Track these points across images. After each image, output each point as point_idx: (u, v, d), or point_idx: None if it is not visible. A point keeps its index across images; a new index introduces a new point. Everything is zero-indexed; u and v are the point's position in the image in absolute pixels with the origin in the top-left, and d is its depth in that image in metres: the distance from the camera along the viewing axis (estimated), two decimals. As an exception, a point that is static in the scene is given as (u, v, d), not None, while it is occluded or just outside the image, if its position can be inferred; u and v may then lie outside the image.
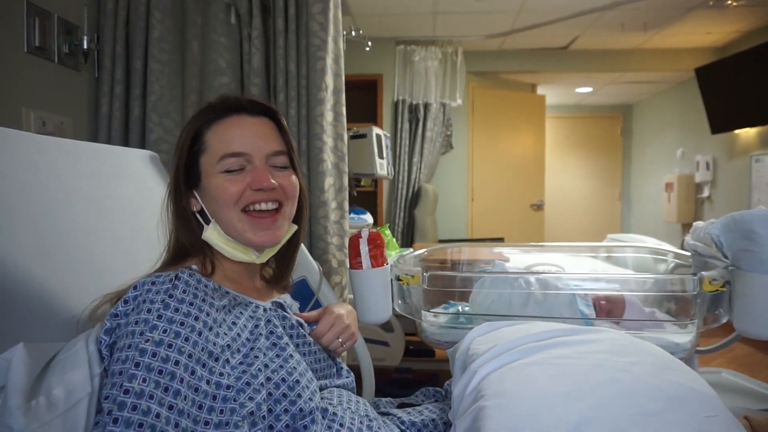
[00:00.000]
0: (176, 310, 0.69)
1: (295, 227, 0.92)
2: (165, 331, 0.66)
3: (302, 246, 1.48)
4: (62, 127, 1.57)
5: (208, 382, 0.68)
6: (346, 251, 1.72)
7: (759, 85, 3.67)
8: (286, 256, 0.97)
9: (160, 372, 0.63)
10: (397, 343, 2.19)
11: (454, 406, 0.84)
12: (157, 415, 0.61)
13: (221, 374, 0.70)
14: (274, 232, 0.84)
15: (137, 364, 0.63)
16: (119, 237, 1.03)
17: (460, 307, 1.35)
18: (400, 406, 1.04)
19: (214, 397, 0.68)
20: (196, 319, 0.70)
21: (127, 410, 0.60)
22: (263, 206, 0.83)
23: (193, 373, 0.66)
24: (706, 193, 4.73)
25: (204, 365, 0.68)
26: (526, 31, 4.03)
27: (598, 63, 4.70)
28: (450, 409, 0.88)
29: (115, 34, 1.72)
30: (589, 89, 5.78)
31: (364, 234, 1.16)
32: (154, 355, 0.64)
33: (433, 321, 1.29)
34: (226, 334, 0.74)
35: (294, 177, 0.87)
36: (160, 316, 0.67)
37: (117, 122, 1.73)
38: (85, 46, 1.66)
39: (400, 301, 1.24)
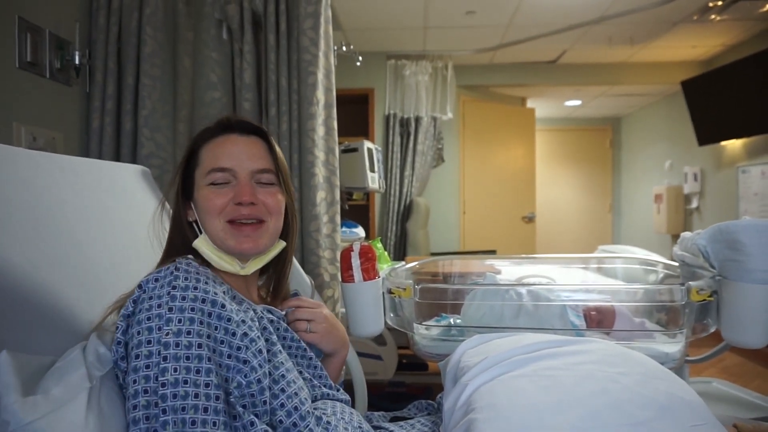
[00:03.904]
0: (183, 298, 0.73)
1: (282, 243, 0.94)
2: (180, 321, 0.71)
3: (294, 260, 1.48)
4: (53, 142, 1.57)
5: (229, 357, 0.74)
6: (338, 265, 1.73)
7: (744, 97, 3.73)
8: (276, 271, 0.99)
9: (188, 358, 0.69)
10: (390, 357, 2.18)
11: (445, 420, 0.84)
12: (196, 396, 0.67)
13: (239, 348, 0.75)
14: (255, 240, 0.86)
15: (165, 358, 0.68)
16: (111, 251, 1.03)
17: (452, 320, 1.35)
18: (393, 419, 1.03)
19: (239, 369, 0.73)
20: (203, 301, 0.74)
21: (169, 400, 0.66)
22: (244, 221, 0.86)
23: (214, 351, 0.72)
24: (694, 204, 4.78)
25: (222, 342, 0.74)
26: (516, 45, 4.08)
27: (587, 76, 4.76)
28: (442, 422, 0.88)
29: (107, 49, 1.73)
30: (578, 102, 5.85)
31: (356, 247, 1.17)
32: (177, 345, 0.69)
33: (425, 334, 1.29)
34: (236, 310, 0.78)
35: (279, 194, 0.90)
36: (171, 309, 0.72)
37: (108, 137, 1.73)
38: (77, 62, 1.67)
39: (392, 314, 1.24)
